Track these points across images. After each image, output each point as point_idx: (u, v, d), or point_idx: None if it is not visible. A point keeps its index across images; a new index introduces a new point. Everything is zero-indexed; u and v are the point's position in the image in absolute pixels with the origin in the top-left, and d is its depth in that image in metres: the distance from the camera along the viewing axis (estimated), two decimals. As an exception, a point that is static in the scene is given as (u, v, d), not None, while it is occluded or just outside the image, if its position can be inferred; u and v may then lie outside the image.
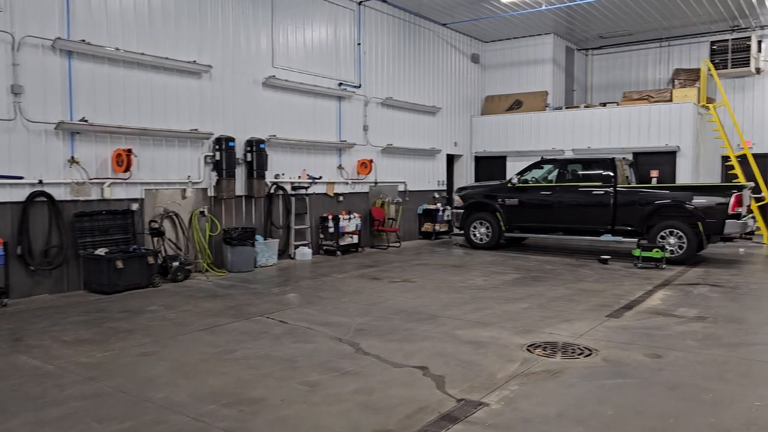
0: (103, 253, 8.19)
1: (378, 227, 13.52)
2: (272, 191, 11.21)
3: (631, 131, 15.19)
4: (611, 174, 11.80)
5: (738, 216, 10.64)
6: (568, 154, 15.62)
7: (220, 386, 4.57)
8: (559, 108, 16.75)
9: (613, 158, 12.01)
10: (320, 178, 12.25)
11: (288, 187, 11.56)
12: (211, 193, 10.15)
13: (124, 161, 8.58)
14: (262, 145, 10.62)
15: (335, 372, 4.89)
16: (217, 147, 10.05)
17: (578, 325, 6.45)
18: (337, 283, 9.03)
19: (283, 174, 11.45)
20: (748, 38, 15.33)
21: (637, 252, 10.73)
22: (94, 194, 8.61)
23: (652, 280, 9.33)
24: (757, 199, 14.88)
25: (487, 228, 13.16)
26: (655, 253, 10.54)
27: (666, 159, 14.87)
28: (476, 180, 17.32)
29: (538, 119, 16.53)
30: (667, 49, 17.90)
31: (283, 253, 11.49)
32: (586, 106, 16.34)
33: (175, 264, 9.04)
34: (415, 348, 5.59)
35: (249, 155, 10.53)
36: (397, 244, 13.86)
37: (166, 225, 9.46)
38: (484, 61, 17.98)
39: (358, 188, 13.36)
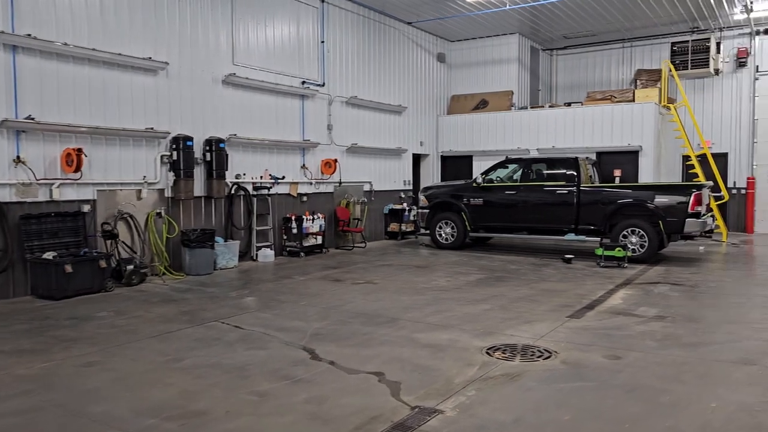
0: (51, 257, 7.84)
1: (343, 228, 13.35)
2: (233, 192, 10.94)
3: (594, 131, 15.30)
4: (574, 173, 11.84)
5: (697, 215, 10.77)
6: (534, 154, 15.67)
7: (164, 398, 4.35)
8: (524, 108, 16.81)
9: (576, 158, 12.05)
10: (283, 178, 12.02)
11: (250, 188, 11.30)
12: (168, 193, 9.84)
13: (74, 161, 8.24)
14: (222, 145, 10.35)
15: (287, 380, 4.71)
16: (174, 146, 9.74)
17: (539, 327, 6.39)
18: (298, 286, 8.83)
19: (244, 174, 11.19)
20: (708, 40, 15.60)
21: (599, 251, 10.77)
22: (42, 196, 8.24)
23: (614, 279, 9.36)
24: (716, 198, 15.14)
25: (453, 228, 13.09)
26: (617, 252, 10.59)
27: (629, 158, 15.01)
28: (442, 180, 17.26)
29: (504, 119, 16.55)
30: (630, 50, 18.11)
31: (245, 254, 11.23)
32: (550, 106, 16.42)
33: (130, 267, 8.73)
34: (373, 353, 5.44)
35: (208, 155, 10.25)
36: (363, 245, 13.70)
37: (121, 227, 9.13)
38: (450, 60, 17.94)
39: (322, 188, 13.16)
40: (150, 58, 9.41)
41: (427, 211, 13.41)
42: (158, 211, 9.59)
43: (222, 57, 10.73)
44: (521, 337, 6.00)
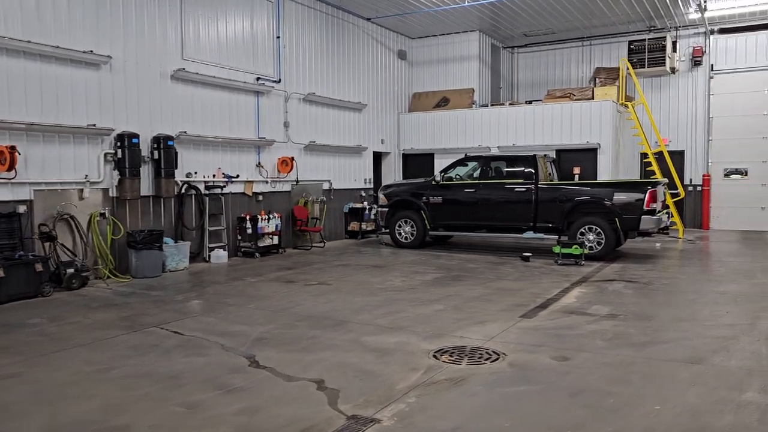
0: (-18, 261, 7.41)
1: (301, 227, 13.07)
2: (183, 191, 10.57)
3: (554, 129, 15.33)
4: (532, 171, 11.80)
5: (653, 212, 10.82)
6: (494, 152, 15.63)
7: (85, 413, 4.06)
8: (485, 105, 16.76)
9: (535, 155, 12.01)
10: (237, 176, 11.69)
11: (201, 187, 10.95)
12: (113, 193, 9.44)
13: (6, 159, 7.80)
14: (170, 142, 9.98)
15: (221, 389, 4.46)
16: (119, 144, 9.35)
17: (490, 327, 6.25)
18: (248, 288, 8.54)
19: (195, 173, 10.83)
20: (664, 38, 15.78)
21: (557, 249, 10.74)
22: (-27, 196, 7.79)
23: (570, 277, 9.32)
24: (673, 195, 15.33)
25: (412, 227, 12.94)
26: (574, 250, 10.58)
27: (587, 156, 15.08)
28: (404, 178, 17.11)
29: (465, 116, 16.48)
30: (590, 48, 18.23)
31: (197, 255, 10.88)
32: (511, 104, 16.41)
33: (70, 271, 8.33)
34: (316, 358, 5.22)
35: (156, 153, 9.87)
36: (321, 245, 13.45)
37: (61, 229, 8.71)
38: (411, 57, 17.79)
39: (279, 187, 12.86)
40: (91, 51, 9.00)
41: (387, 209, 13.23)
42: (102, 211, 9.18)
43: (170, 51, 10.35)
44: (471, 338, 5.85)
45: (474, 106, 16.77)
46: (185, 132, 10.49)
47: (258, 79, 12.15)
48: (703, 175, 16.78)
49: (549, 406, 4.15)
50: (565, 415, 3.97)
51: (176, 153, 10.11)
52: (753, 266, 10.21)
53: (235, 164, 11.73)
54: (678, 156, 17.15)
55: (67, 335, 6.05)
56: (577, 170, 15.16)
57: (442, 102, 17.30)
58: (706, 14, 15.19)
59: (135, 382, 4.66)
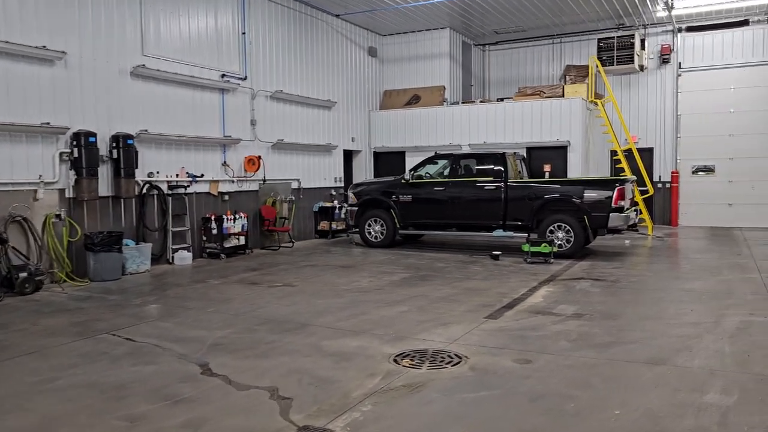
0: (-75, 266, 7.07)
1: (268, 227, 12.83)
2: (145, 191, 10.27)
3: (524, 126, 15.31)
4: (502, 169, 11.73)
5: (621, 209, 10.83)
6: (465, 150, 15.56)
7: (17, 428, 3.82)
8: (456, 103, 16.68)
9: (504, 153, 11.95)
10: (202, 176, 11.42)
11: (164, 187, 10.65)
12: (69, 194, 9.11)
13: (-48, 159, 7.46)
14: (130, 141, 9.68)
15: (169, 400, 4.26)
16: (75, 143, 9.02)
17: (454, 329, 6.13)
18: (210, 290, 8.31)
19: (158, 172, 10.54)
20: (632, 36, 15.85)
21: (526, 247, 10.69)
22: None
23: (539, 276, 9.26)
24: (642, 192, 15.43)
25: (382, 226, 12.80)
26: (543, 248, 10.53)
27: (558, 154, 15.10)
28: (375, 176, 16.96)
29: (436, 114, 16.37)
30: (560, 46, 18.27)
31: (160, 257, 10.59)
32: (481, 101, 16.36)
33: (23, 275, 8.01)
34: (272, 365, 5.04)
35: (115, 152, 9.56)
36: (290, 245, 13.23)
37: (13, 231, 8.37)
38: (382, 54, 17.63)
39: (246, 186, 12.60)
40: (44, 47, 8.66)
41: (356, 208, 13.07)
42: (57, 213, 8.86)
43: (129, 47, 10.04)
44: (434, 341, 5.72)
45: (445, 103, 16.68)
46: (146, 130, 10.19)
47: (223, 76, 11.87)
48: (672, 172, 16.93)
49: (507, 412, 4.03)
50: (524, 422, 3.86)
51: (136, 152, 9.81)
52: (719, 263, 10.27)
53: (200, 163, 11.45)
54: (647, 153, 17.28)
55: (12, 343, 5.77)
56: (547, 168, 15.17)
57: (413, 100, 17.18)
58: (674, 12, 15.29)
59: (78, 393, 4.43)
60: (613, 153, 16.16)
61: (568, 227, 11.05)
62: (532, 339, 5.76)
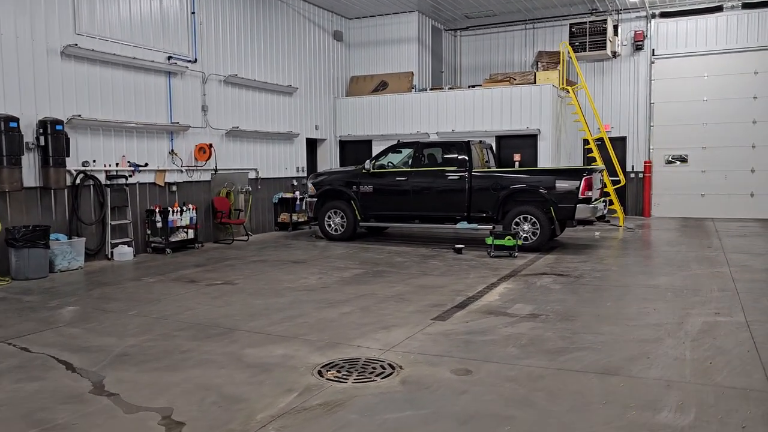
0: None
1: (221, 219, 12.14)
2: (78, 181, 9.53)
3: (493, 114, 14.77)
4: (466, 158, 11.16)
5: (588, 200, 10.33)
6: (433, 138, 14.98)
7: None
8: (424, 90, 16.05)
9: (468, 141, 11.37)
10: (146, 165, 10.69)
11: (102, 177, 9.92)
12: (-10, 184, 8.35)
13: None
14: (59, 127, 8.92)
15: (38, 427, 3.62)
16: (-5, 129, 8.26)
17: (396, 333, 5.56)
18: (141, 290, 7.64)
19: (94, 161, 9.80)
20: (605, 21, 15.34)
21: (489, 240, 10.15)
22: None
23: (500, 271, 8.73)
24: (614, 182, 14.99)
25: (342, 218, 12.18)
26: (507, 241, 10.01)
27: (528, 142, 14.59)
28: (341, 166, 16.31)
29: (403, 101, 15.75)
30: (533, 32, 17.72)
31: (98, 253, 9.88)
32: (450, 88, 15.76)
33: (-68, 274, 7.27)
34: (178, 379, 4.42)
35: (42, 138, 8.80)
36: (245, 238, 12.56)
37: None
38: (349, 39, 16.94)
39: (197, 176, 11.89)
40: (-43, 22, 7.88)
41: (315, 199, 12.43)
42: (-25, 205, 8.12)
43: (60, 25, 9.25)
44: (370, 348, 5.14)
45: (414, 90, 16.07)
46: (79, 115, 9.43)
47: (170, 58, 11.12)
48: (645, 162, 16.53)
49: (431, 438, 3.47)
50: (447, 452, 3.30)
51: (68, 139, 9.07)
52: (688, 255, 9.84)
53: (144, 152, 10.72)
54: (620, 142, 16.85)
55: None
56: (517, 157, 14.66)
57: (381, 86, 16.53)
58: (647, -4, 14.83)
59: (-65, 419, 3.77)
60: (586, 142, 15.70)
61: (533, 219, 10.54)
62: (478, 344, 5.21)
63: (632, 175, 16.76)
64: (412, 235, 13.07)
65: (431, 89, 15.86)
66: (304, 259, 10.00)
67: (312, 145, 16.10)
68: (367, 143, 16.27)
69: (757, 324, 5.66)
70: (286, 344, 5.27)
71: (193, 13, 11.64)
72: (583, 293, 7.24)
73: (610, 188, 14.69)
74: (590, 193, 10.30)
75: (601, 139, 15.28)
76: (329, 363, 4.76)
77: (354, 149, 16.55)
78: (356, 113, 16.34)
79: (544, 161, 14.31)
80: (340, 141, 16.61)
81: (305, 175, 15.16)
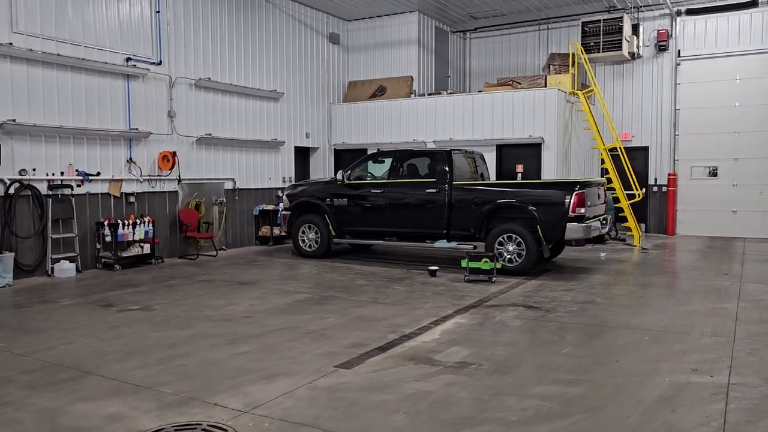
0: None
1: (188, 233, 11.30)
2: (13, 191, 8.82)
3: (494, 121, 13.53)
4: (446, 169, 9.99)
5: (580, 218, 9.01)
6: (431, 147, 13.82)
7: None
8: (422, 95, 14.93)
9: (449, 151, 10.21)
10: (98, 174, 9.94)
11: (43, 186, 9.20)
12: None
13: None
14: (-14, 133, 8.24)
15: None
16: None
17: (276, 386, 4.50)
18: (37, 316, 6.78)
19: (34, 170, 9.09)
20: (621, 19, 13.89)
21: (464, 262, 8.95)
22: None
23: (464, 300, 7.54)
24: (629, 197, 13.52)
25: (317, 233, 11.18)
26: (484, 264, 8.78)
27: (532, 152, 13.29)
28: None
29: (400, 107, 14.68)
30: (546, 32, 16.40)
31: (38, 268, 9.15)
32: (450, 93, 14.60)
33: None
34: (-55, 450, 3.48)
35: (-33, 145, 8.13)
36: (214, 254, 11.67)
37: None
38: (347, 42, 16.00)
39: (160, 186, 11.09)
40: None
41: (290, 213, 11.48)
42: None
43: (-6, 23, 8.61)
44: (228, 407, 4.10)
45: (413, 95, 14.97)
46: (14, 120, 8.73)
47: (128, 60, 10.38)
48: (669, 174, 14.95)
49: None
50: None
51: (-3, 145, 8.37)
52: (696, 285, 8.41)
53: (96, 159, 9.98)
54: (641, 153, 15.35)
55: None
56: (519, 168, 13.38)
57: (379, 91, 15.51)
58: (668, -9, 13.38)
59: None
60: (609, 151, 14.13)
61: (519, 239, 9.28)
62: (363, 408, 4.09)
63: (655, 189, 15.21)
64: (396, 253, 11.94)
65: (429, 94, 14.73)
66: (256, 280, 9.02)
67: (305, 154, 15.20)
68: (363, 152, 15.18)
69: (741, 389, 4.34)
70: (130, 398, 4.27)
71: (158, 12, 10.89)
72: (542, 334, 5.99)
73: (623, 203, 13.23)
74: (582, 210, 8.97)
75: (615, 149, 13.81)
76: (158, 430, 3.73)
77: (350, 158, 15.43)
78: (352, 120, 15.35)
79: (549, 173, 12.97)
80: (335, 149, 15.64)
81: (293, 185, 14.23)
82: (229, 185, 12.56)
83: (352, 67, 16.12)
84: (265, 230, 13.21)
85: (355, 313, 6.89)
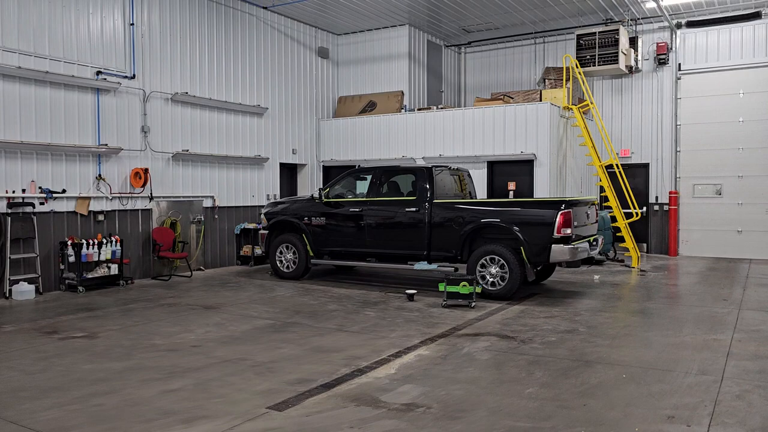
0: None
1: (161, 252, 10.85)
2: (-32, 210, 8.45)
3: (485, 136, 13.02)
4: (427, 187, 9.49)
5: (566, 240, 8.44)
6: (420, 163, 13.34)
7: None
8: (412, 110, 14.48)
9: (431, 168, 9.71)
10: (63, 191, 9.54)
11: (2, 204, 8.81)
12: None
13: None
14: (-63, 148, 7.87)
15: None
16: None
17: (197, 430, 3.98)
18: (-27, 344, 6.34)
19: (-7, 187, 8.72)
20: (617, 32, 13.38)
21: (442, 286, 8.40)
22: None
23: (436, 328, 7.00)
24: (627, 216, 12.92)
25: (295, 253, 10.69)
26: (462, 288, 8.23)
27: (525, 169, 12.75)
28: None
29: (388, 123, 14.23)
30: (543, 46, 15.95)
31: (-6, 290, 8.73)
32: (440, 108, 14.13)
33: None
34: None
35: None
36: (189, 274, 11.21)
37: None
38: (336, 56, 15.63)
39: (132, 204, 10.67)
40: None
41: (267, 232, 11.01)
42: None
43: (-49, 35, 8.28)
44: (127, 459, 3.57)
45: (403, 111, 14.53)
46: (-31, 136, 8.38)
47: (99, 73, 10.03)
48: (670, 193, 14.33)
49: None
50: None
51: (-51, 162, 7.99)
52: (689, 313, 7.79)
53: (62, 176, 9.59)
54: (642, 170, 14.77)
55: None
56: (512, 186, 12.85)
57: (369, 107, 15.09)
58: (665, 2, 12.86)
59: None
60: (607, 167, 13.46)
61: (502, 261, 8.72)
62: (278, 463, 3.55)
63: (656, 208, 14.59)
64: (379, 275, 11.41)
65: (419, 110, 14.26)
66: (222, 304, 8.52)
67: (292, 170, 14.77)
68: (352, 169, 14.76)
69: (721, 443, 3.76)
70: (21, 447, 3.77)
71: (132, 24, 10.55)
72: (508, 369, 5.42)
73: (621, 223, 12.63)
74: (568, 231, 8.41)
75: (624, 166, 13.20)
76: (33, 489, 3.22)
77: (339, 175, 15.05)
78: (341, 136, 14.92)
79: (542, 191, 12.41)
80: (324, 166, 15.20)
81: (277, 203, 13.78)
82: (208, 203, 12.13)
83: (342, 81, 15.74)
84: (246, 249, 12.74)
85: (314, 343, 6.37)
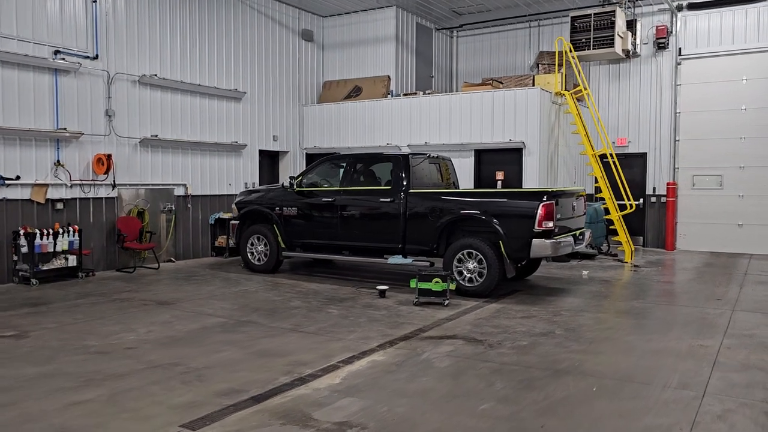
0: None
1: (126, 243, 10.30)
2: None
3: (473, 123, 12.39)
4: (402, 175, 8.89)
5: (548, 234, 7.83)
6: (405, 151, 12.69)
7: None
8: (398, 96, 13.84)
9: (407, 155, 9.11)
10: (18, 178, 9.00)
11: (-54, 191, 8.29)
12: None
13: None
14: None
15: None
16: None
17: (78, 458, 3.42)
18: None
19: (-64, 172, 8.18)
20: (613, 13, 12.66)
21: (413, 283, 7.83)
22: None
23: (400, 329, 6.43)
24: (621, 208, 12.29)
25: (266, 245, 10.13)
26: (435, 285, 7.64)
27: (514, 158, 12.12)
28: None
29: (373, 109, 13.61)
30: (537, 30, 15.24)
31: (-61, 283, 8.21)
32: (427, 93, 13.49)
33: None
34: None
35: None
36: (156, 266, 10.67)
37: None
38: (322, 39, 14.99)
39: (95, 192, 10.12)
40: None
41: (238, 222, 10.45)
42: None
43: None
44: (-12, 493, 3.02)
45: (389, 96, 13.89)
46: None
47: (57, 52, 9.44)
48: (668, 184, 13.67)
49: None
50: None
51: None
52: (679, 313, 7.19)
53: (16, 162, 9.04)
54: (639, 159, 14.10)
55: None
56: (500, 176, 12.23)
57: (354, 92, 14.46)
58: (664, -19, 12.17)
59: None
60: (602, 156, 12.76)
61: (480, 256, 8.12)
62: (163, 501, 3.00)
63: (653, 200, 13.94)
64: (356, 269, 10.83)
65: (404, 95, 13.63)
66: (178, 299, 7.97)
67: (274, 158, 14.18)
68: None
69: (692, 480, 3.18)
70: None
71: (95, 1, 9.95)
72: (467, 379, 4.84)
73: (614, 215, 12.00)
74: (551, 224, 7.79)
75: (621, 155, 12.53)
76: None
77: (323, 164, 14.47)
78: (324, 122, 14.31)
79: (531, 181, 11.79)
80: (307, 154, 14.60)
81: (256, 192, 13.20)
82: (180, 191, 11.56)
83: (327, 66, 15.10)
84: (221, 240, 12.19)
85: (260, 345, 5.81)
